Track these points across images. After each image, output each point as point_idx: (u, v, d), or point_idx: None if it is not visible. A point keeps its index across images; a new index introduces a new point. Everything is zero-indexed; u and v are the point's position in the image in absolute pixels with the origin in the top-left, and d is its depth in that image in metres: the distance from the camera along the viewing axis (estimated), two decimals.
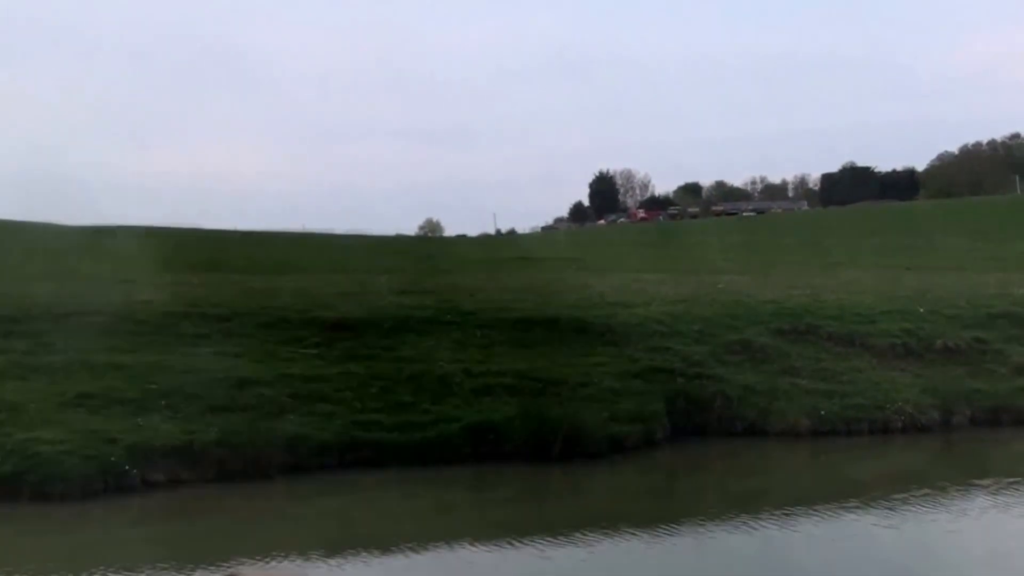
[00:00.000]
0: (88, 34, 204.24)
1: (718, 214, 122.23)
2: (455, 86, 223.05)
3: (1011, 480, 17.23)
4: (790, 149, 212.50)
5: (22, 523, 15.30)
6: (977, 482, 17.00)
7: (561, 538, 14.43)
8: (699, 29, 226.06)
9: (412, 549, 14.19)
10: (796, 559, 13.79)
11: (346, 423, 18.60)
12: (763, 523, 14.98)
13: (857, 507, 15.71)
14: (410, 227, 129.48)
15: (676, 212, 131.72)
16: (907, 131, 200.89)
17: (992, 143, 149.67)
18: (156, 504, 16.12)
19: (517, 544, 14.21)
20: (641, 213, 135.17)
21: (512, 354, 22.01)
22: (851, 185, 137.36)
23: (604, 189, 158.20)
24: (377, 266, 36.07)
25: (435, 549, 14.27)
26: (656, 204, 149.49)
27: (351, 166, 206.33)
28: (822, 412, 20.59)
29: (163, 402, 18.56)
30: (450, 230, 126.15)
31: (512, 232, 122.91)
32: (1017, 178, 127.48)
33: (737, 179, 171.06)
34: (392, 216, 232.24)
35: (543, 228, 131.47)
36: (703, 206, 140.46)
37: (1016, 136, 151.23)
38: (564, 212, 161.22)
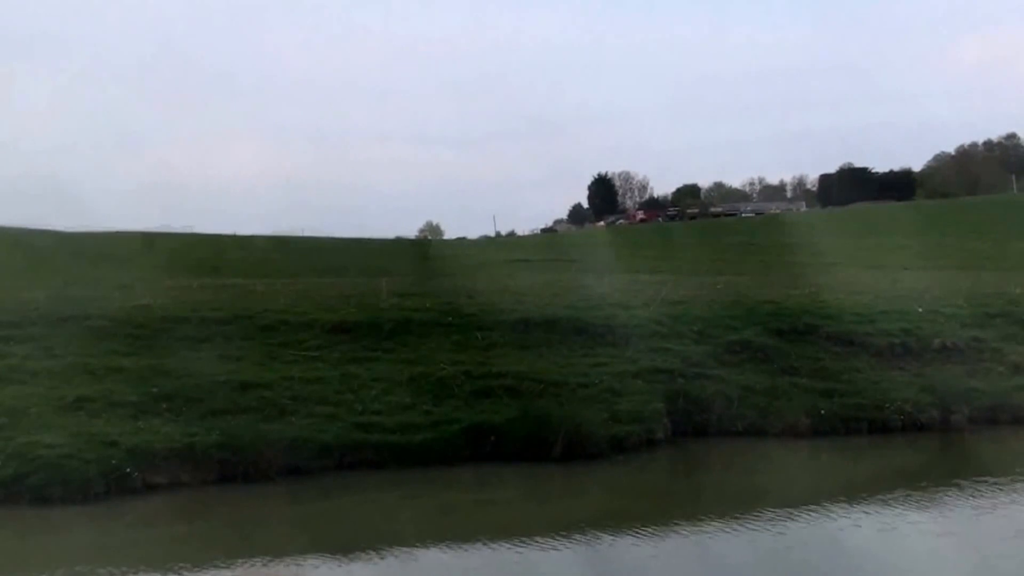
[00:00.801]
0: (80, 39, 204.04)
1: (717, 215, 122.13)
2: (454, 88, 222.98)
3: (1010, 479, 17.23)
4: (788, 150, 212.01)
5: (24, 526, 15.30)
6: (977, 480, 16.99)
7: (563, 538, 14.44)
8: (698, 32, 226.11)
9: (414, 550, 14.20)
10: (795, 558, 13.80)
11: (347, 425, 18.62)
12: (762, 523, 14.98)
13: (856, 506, 15.73)
14: (410, 230, 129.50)
15: (675, 213, 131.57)
16: (904, 132, 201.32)
17: (988, 143, 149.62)
18: (158, 506, 16.12)
19: (519, 544, 14.22)
20: (640, 214, 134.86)
21: (512, 355, 22.03)
22: (848, 186, 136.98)
23: (603, 191, 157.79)
24: (377, 269, 36.06)
25: (437, 550, 14.27)
26: (655, 205, 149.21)
27: (351, 169, 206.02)
28: (821, 411, 20.61)
29: (164, 405, 18.61)
30: (450, 232, 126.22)
31: (512, 234, 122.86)
32: (1013, 178, 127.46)
33: (735, 180, 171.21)
34: (392, 219, 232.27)
35: (542, 230, 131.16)
36: (702, 207, 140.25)
37: (1012, 136, 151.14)
38: (563, 214, 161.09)
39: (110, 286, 28.19)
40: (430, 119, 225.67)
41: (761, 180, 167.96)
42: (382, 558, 13.93)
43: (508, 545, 14.23)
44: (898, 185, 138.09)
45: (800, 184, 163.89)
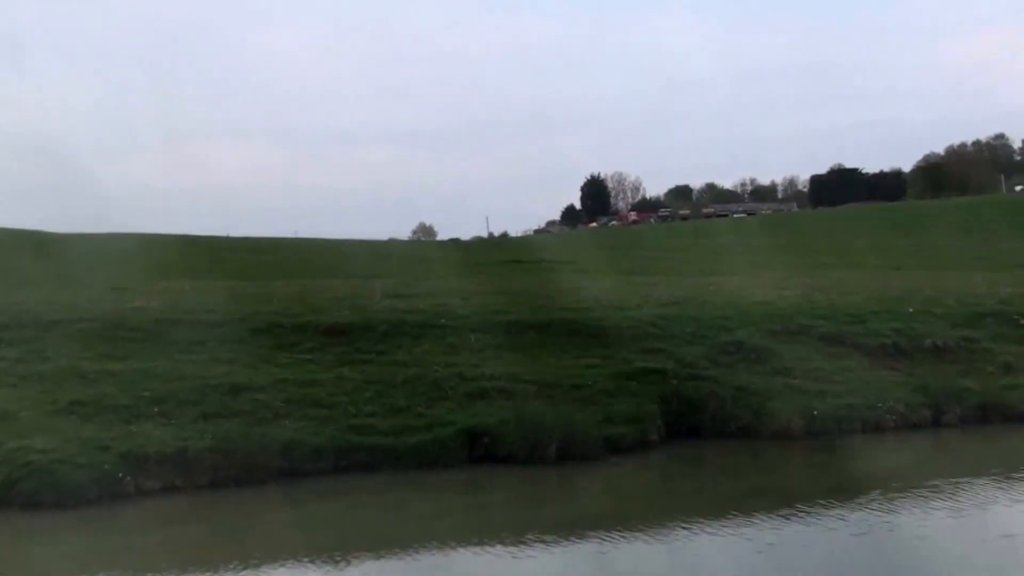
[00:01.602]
0: (78, 39, 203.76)
1: (709, 216, 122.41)
2: (448, 88, 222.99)
3: (1002, 477, 17.24)
4: (779, 151, 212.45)
5: (16, 532, 15.24)
6: (970, 480, 17.02)
7: (558, 540, 14.42)
8: (690, 35, 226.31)
9: (409, 553, 14.16)
10: (790, 558, 13.79)
11: (341, 427, 18.59)
12: (757, 524, 14.97)
13: (851, 507, 15.70)
14: (403, 231, 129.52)
15: (667, 214, 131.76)
16: (894, 133, 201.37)
17: (977, 143, 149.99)
18: (150, 511, 16.05)
19: (514, 547, 14.19)
20: (633, 215, 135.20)
21: (506, 357, 22.01)
22: (839, 186, 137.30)
23: (596, 192, 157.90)
24: (370, 271, 36.03)
25: (432, 553, 14.23)
26: (647, 206, 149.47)
27: (344, 171, 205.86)
28: (815, 412, 20.60)
29: (156, 409, 18.55)
30: (443, 233, 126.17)
31: (505, 235, 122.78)
32: (1002, 177, 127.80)
33: (727, 181, 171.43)
34: (385, 221, 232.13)
35: (535, 231, 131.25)
36: (694, 208, 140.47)
37: (1001, 136, 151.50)
38: (556, 215, 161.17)
39: (102, 288, 28.13)
40: (423, 119, 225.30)
41: (753, 181, 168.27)
42: (377, 560, 13.90)
43: (502, 548, 14.19)
44: (888, 185, 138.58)
45: (791, 185, 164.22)
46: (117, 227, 53.33)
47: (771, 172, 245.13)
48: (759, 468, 19.29)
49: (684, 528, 14.86)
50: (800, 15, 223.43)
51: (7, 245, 43.64)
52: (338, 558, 13.77)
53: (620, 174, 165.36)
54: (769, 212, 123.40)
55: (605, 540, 14.46)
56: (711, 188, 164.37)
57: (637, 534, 14.62)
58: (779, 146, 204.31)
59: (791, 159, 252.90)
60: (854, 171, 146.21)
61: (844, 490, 16.68)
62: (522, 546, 14.20)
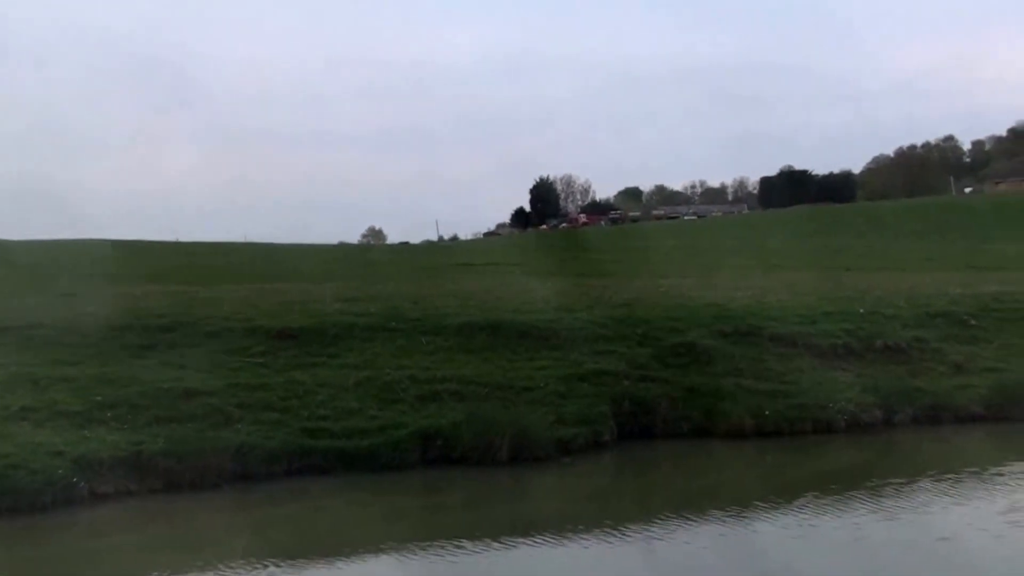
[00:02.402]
0: (23, 44, 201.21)
1: (659, 218, 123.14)
2: (395, 92, 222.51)
3: (948, 476, 17.54)
4: (729, 153, 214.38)
5: None
6: (917, 479, 17.31)
7: (511, 542, 14.55)
8: (637, 36, 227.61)
9: (361, 555, 14.27)
10: (742, 558, 14.02)
11: (294, 431, 18.60)
12: (709, 523, 15.21)
13: (799, 506, 15.96)
14: (353, 235, 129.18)
15: (617, 216, 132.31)
16: (844, 135, 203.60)
17: (927, 145, 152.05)
18: (105, 516, 15.98)
19: (468, 549, 14.31)
20: (583, 218, 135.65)
21: (457, 360, 22.11)
22: (789, 189, 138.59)
23: (545, 194, 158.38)
24: (320, 274, 36.01)
25: (386, 555, 14.34)
26: (597, 209, 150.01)
27: (293, 175, 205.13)
28: (766, 412, 20.78)
29: (109, 414, 18.47)
30: (392, 237, 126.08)
31: (455, 238, 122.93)
32: (952, 179, 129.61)
33: (677, 183, 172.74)
34: (335, 225, 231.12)
35: (485, 234, 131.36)
36: (644, 210, 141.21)
37: (950, 139, 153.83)
38: (506, 218, 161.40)
39: (53, 295, 27.97)
40: (369, 124, 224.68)
41: (702, 183, 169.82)
42: (330, 565, 13.99)
43: (458, 549, 14.32)
44: (838, 187, 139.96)
45: (741, 187, 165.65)
46: (71, 233, 53.01)
47: (721, 174, 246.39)
48: (709, 468, 19.50)
49: (636, 528, 15.04)
50: (750, 17, 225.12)
51: None
52: (293, 561, 13.87)
53: (569, 176, 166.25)
54: (720, 214, 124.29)
55: (558, 541, 14.62)
56: (661, 190, 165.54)
57: (589, 535, 14.78)
58: (729, 148, 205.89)
59: (741, 161, 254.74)
60: (804, 173, 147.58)
61: (790, 491, 16.94)
62: (476, 547, 14.33)
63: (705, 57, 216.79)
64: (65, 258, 40.43)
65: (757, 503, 16.02)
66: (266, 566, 13.56)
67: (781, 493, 16.75)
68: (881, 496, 16.23)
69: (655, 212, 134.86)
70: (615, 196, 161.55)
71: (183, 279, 33.91)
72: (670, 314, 25.17)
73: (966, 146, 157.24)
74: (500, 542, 14.52)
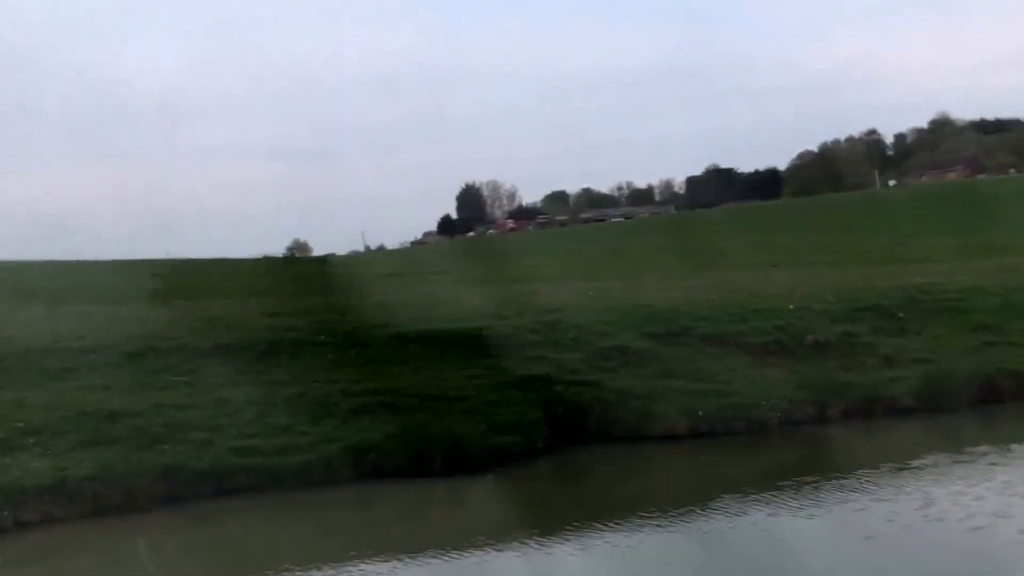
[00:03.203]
0: None
1: (586, 221, 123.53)
2: (315, 103, 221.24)
3: (873, 471, 17.65)
4: (654, 154, 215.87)
5: None
6: (856, 472, 17.40)
7: (446, 553, 14.41)
8: (557, 41, 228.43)
9: (296, 573, 14.04)
10: (675, 559, 14.02)
11: (222, 450, 18.30)
12: (643, 526, 15.18)
13: (731, 505, 15.98)
14: (277, 249, 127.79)
15: (545, 221, 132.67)
16: (767, 132, 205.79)
17: (851, 139, 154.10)
18: (30, 544, 15.68)
19: (405, 561, 14.17)
20: (510, 223, 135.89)
21: (388, 371, 21.88)
22: (715, 187, 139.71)
23: (472, 201, 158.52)
24: (245, 290, 35.48)
25: (320, 572, 14.13)
26: (525, 214, 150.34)
27: (214, 189, 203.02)
28: (700, 413, 20.76)
29: (31, 440, 18.06)
30: (318, 249, 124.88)
31: (381, 248, 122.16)
32: (876, 173, 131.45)
33: (603, 186, 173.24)
34: (259, 239, 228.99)
35: (412, 243, 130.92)
36: (571, 214, 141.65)
37: (873, 132, 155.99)
38: (433, 226, 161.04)
39: None
40: (289, 135, 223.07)
41: (629, 184, 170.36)
42: None
43: (395, 561, 14.18)
44: (765, 184, 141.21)
45: (668, 187, 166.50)
46: None
47: (647, 175, 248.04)
48: (642, 472, 19.42)
49: (571, 534, 14.97)
50: (671, 19, 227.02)
51: None
52: None
53: (495, 182, 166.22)
54: (647, 215, 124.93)
55: (494, 550, 14.52)
56: (587, 193, 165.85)
57: (525, 542, 14.68)
58: (653, 149, 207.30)
59: (666, 162, 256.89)
60: (729, 171, 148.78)
61: (724, 490, 16.93)
62: (413, 560, 14.20)
63: (626, 58, 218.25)
64: None
65: (687, 506, 16.00)
66: None
67: (708, 495, 16.67)
68: (804, 494, 16.29)
69: (582, 216, 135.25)
70: (542, 200, 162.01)
71: (104, 299, 33.20)
72: (600, 317, 25.07)
73: (889, 139, 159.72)
74: (436, 555, 14.36)
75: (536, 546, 14.57)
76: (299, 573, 14.13)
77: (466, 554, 14.38)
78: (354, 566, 14.24)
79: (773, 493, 16.44)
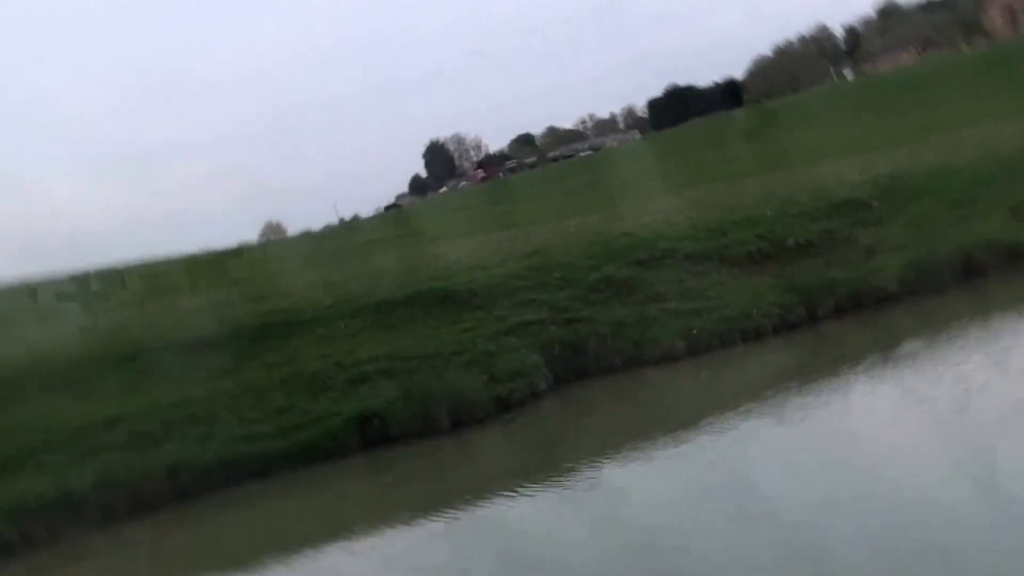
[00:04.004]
0: None
1: (555, 159, 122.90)
2: (271, 83, 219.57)
3: (880, 361, 17.61)
4: (613, 83, 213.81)
5: None
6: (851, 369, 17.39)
7: (464, 507, 14.40)
8: None
9: (314, 547, 14.04)
10: (693, 475, 13.96)
11: (226, 440, 18.21)
12: (659, 449, 15.10)
13: (740, 415, 15.97)
14: (251, 234, 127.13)
15: (514, 165, 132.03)
16: (721, 44, 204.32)
17: (803, 38, 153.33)
18: (44, 562, 15.63)
19: (422, 521, 14.16)
20: (481, 173, 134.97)
21: (380, 338, 21.71)
22: (677, 106, 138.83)
23: (439, 157, 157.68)
24: (225, 279, 35.20)
25: (338, 542, 14.14)
26: (493, 161, 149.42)
27: (177, 184, 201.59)
28: (694, 331, 20.71)
29: (29, 461, 17.88)
30: (293, 228, 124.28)
31: (355, 218, 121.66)
32: (831, 67, 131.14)
33: (567, 121, 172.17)
34: (230, 227, 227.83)
35: (386, 208, 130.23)
36: (539, 155, 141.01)
37: (823, 28, 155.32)
38: (404, 187, 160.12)
39: None
40: (248, 119, 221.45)
41: (592, 117, 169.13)
42: (287, 564, 13.70)
43: (412, 523, 14.13)
44: (726, 95, 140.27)
45: (631, 113, 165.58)
46: None
47: (609, 105, 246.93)
48: (647, 397, 19.41)
49: (587, 468, 14.92)
50: None
51: None
52: (247, 568, 13.56)
53: (459, 135, 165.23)
54: (614, 145, 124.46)
55: (510, 498, 14.45)
56: (552, 131, 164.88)
57: (539, 485, 14.66)
58: (612, 77, 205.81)
59: (626, 88, 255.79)
60: (689, 88, 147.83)
61: (732, 401, 16.86)
62: (430, 518, 14.21)
63: None
64: None
65: (700, 422, 15.94)
66: None
67: (720, 409, 16.61)
68: (810, 393, 16.34)
69: (551, 154, 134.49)
70: (508, 146, 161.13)
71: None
72: (584, 252, 24.91)
73: (839, 33, 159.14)
74: (454, 509, 14.32)
75: (552, 485, 14.52)
76: (317, 545, 14.08)
77: (480, 507, 14.42)
78: (372, 532, 14.19)
79: (775, 400, 16.47)
